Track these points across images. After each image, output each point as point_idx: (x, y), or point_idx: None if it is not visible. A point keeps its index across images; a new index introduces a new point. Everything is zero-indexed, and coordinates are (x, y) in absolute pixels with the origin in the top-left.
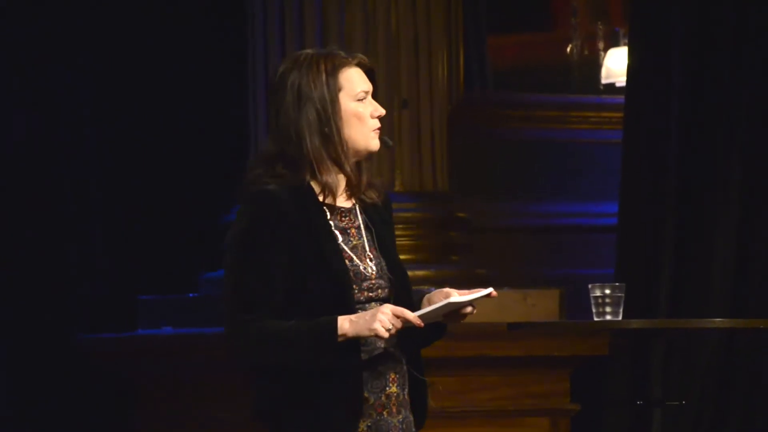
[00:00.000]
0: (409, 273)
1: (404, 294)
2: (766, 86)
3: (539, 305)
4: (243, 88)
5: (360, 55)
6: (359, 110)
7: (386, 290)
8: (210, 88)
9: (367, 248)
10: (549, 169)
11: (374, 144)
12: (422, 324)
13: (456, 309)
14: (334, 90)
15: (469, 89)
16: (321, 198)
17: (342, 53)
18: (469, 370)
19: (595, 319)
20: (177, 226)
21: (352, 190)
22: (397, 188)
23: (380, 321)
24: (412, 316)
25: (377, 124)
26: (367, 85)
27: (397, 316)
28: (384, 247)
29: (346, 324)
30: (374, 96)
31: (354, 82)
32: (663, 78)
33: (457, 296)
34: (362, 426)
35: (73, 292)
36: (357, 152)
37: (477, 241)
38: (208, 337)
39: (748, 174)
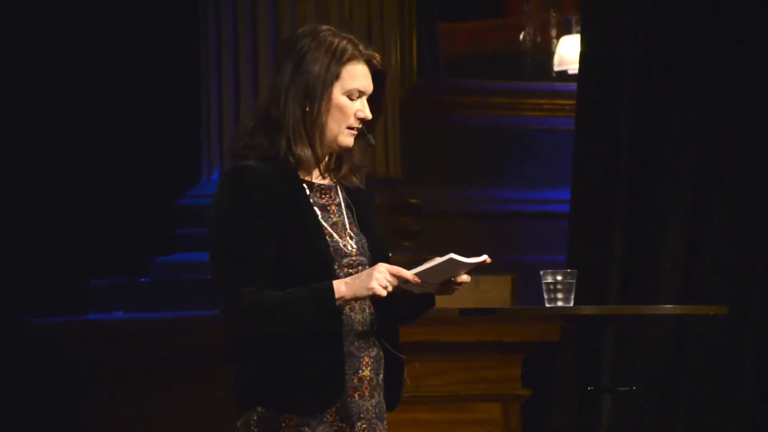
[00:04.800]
0: None
1: None
2: (718, 73)
3: (491, 291)
4: (195, 71)
5: (374, 55)
6: (345, 104)
7: (367, 267)
8: (161, 72)
9: (348, 226)
10: (501, 155)
11: (345, 141)
12: (419, 281)
13: (451, 277)
14: (332, 76)
15: (421, 76)
16: (300, 174)
17: (360, 46)
18: (421, 355)
19: (547, 305)
20: (128, 209)
21: (327, 172)
22: None
23: (377, 279)
24: (408, 273)
25: (357, 124)
26: (366, 85)
27: (393, 275)
28: (365, 225)
29: (342, 287)
30: (373, 98)
31: (354, 78)
32: (615, 65)
33: (456, 255)
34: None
35: (23, 275)
36: (327, 141)
37: (429, 227)
38: (159, 322)
39: (700, 161)
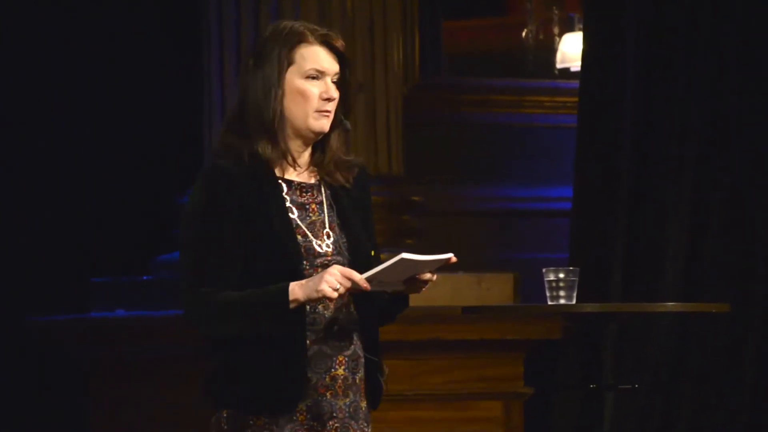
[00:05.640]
0: None
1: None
2: (718, 73)
3: (494, 289)
4: (197, 68)
5: (329, 35)
6: (305, 88)
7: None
8: (161, 72)
9: (327, 225)
10: (503, 153)
11: (316, 124)
12: (368, 286)
13: (414, 274)
14: (283, 64)
15: (424, 73)
16: (277, 172)
17: (318, 30)
18: (423, 353)
19: (549, 302)
20: (130, 208)
21: (311, 168)
22: None
23: (327, 282)
24: (358, 277)
25: (325, 105)
26: (325, 65)
27: (346, 277)
28: (347, 225)
29: (296, 289)
30: (341, 79)
31: (308, 59)
32: (617, 63)
33: (409, 254)
34: (301, 406)
35: (25, 274)
36: (297, 129)
37: (431, 225)
38: (161, 320)
39: (700, 160)
